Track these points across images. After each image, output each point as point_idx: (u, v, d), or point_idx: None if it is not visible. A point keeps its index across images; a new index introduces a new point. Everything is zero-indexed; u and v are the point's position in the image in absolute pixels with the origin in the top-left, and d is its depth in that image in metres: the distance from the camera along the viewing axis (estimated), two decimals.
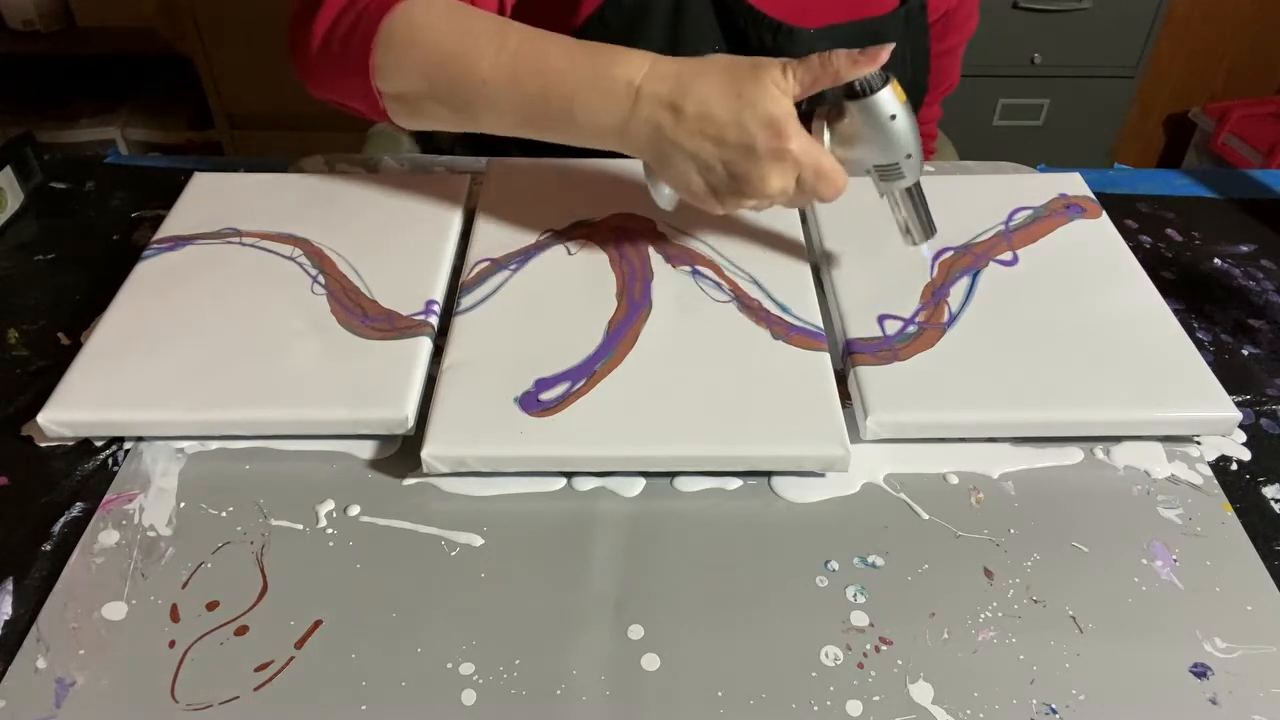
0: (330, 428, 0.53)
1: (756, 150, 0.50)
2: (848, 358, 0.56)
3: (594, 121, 0.53)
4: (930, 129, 0.94)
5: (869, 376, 0.54)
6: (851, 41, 0.50)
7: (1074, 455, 0.54)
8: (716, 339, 0.56)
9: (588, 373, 0.54)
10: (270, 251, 0.63)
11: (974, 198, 0.68)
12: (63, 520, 0.50)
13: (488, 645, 0.44)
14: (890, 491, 0.52)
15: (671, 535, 0.49)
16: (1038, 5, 1.60)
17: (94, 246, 0.69)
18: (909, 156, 0.54)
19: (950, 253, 0.63)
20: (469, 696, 0.42)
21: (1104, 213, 0.68)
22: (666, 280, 0.61)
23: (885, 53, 0.50)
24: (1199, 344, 0.60)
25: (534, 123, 0.56)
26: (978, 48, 0.93)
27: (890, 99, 0.52)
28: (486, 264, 0.62)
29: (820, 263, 0.64)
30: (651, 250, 0.63)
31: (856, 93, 0.52)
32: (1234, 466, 0.54)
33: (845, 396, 0.55)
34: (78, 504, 0.51)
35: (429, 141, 0.94)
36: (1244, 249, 0.71)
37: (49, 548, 0.48)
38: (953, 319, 0.58)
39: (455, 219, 0.66)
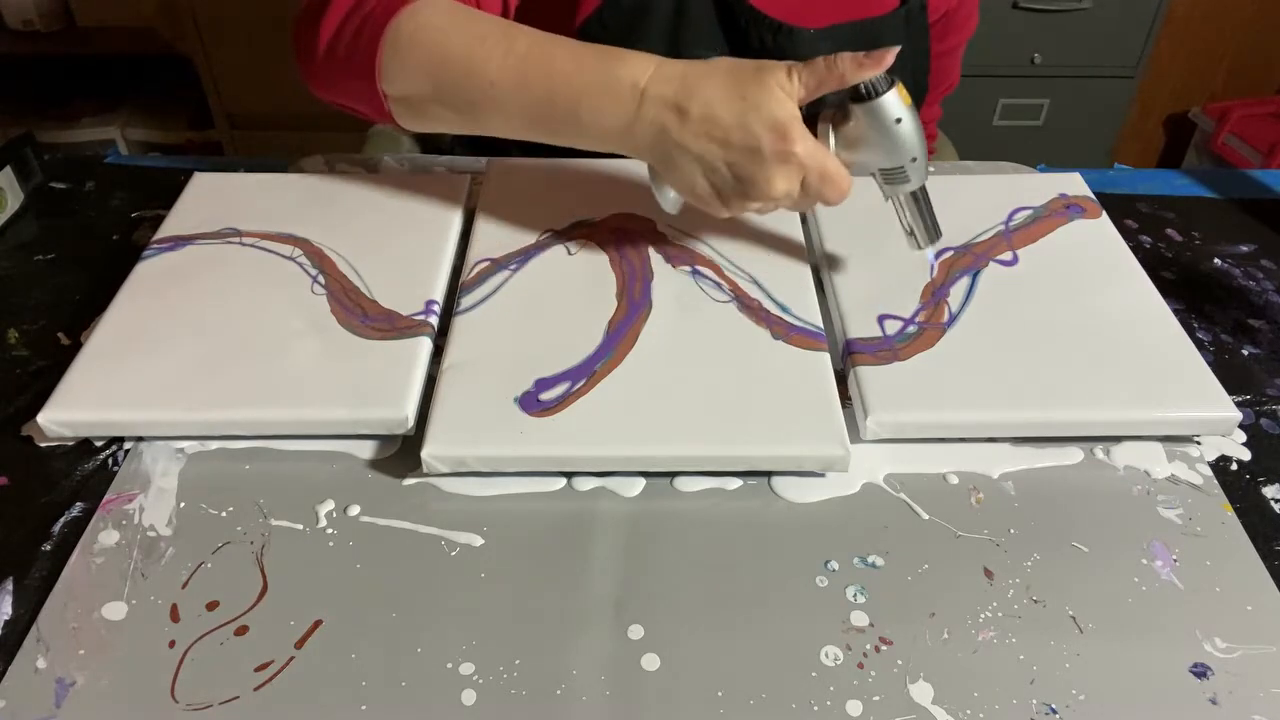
0: (330, 428, 0.53)
1: (761, 153, 0.50)
2: (848, 358, 0.56)
3: (599, 124, 0.53)
4: (930, 129, 0.94)
5: (869, 376, 0.54)
6: (852, 42, 0.50)
7: (1074, 455, 0.54)
8: (716, 339, 0.56)
9: (588, 373, 0.54)
10: (270, 251, 0.63)
11: (974, 198, 0.68)
12: (63, 520, 0.50)
13: (488, 645, 0.44)
14: (890, 491, 0.52)
15: (671, 535, 0.49)
16: (1038, 5, 1.60)
17: (94, 246, 0.69)
18: (914, 160, 0.54)
19: (950, 253, 0.63)
20: (469, 696, 0.42)
21: (1104, 213, 0.68)
22: (666, 280, 0.61)
23: (891, 55, 0.50)
24: (1199, 344, 0.60)
25: (540, 125, 0.56)
26: (978, 48, 0.93)
27: (896, 102, 0.52)
28: (486, 264, 0.62)
29: (820, 263, 0.64)
30: (651, 250, 0.63)
31: (862, 96, 0.52)
32: (1234, 466, 0.54)
33: (845, 396, 0.55)
34: (78, 504, 0.51)
35: (429, 141, 0.94)
36: (1244, 249, 0.71)
37: (49, 548, 0.48)
38: (953, 319, 0.58)
39: (455, 219, 0.66)
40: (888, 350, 0.56)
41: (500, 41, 0.54)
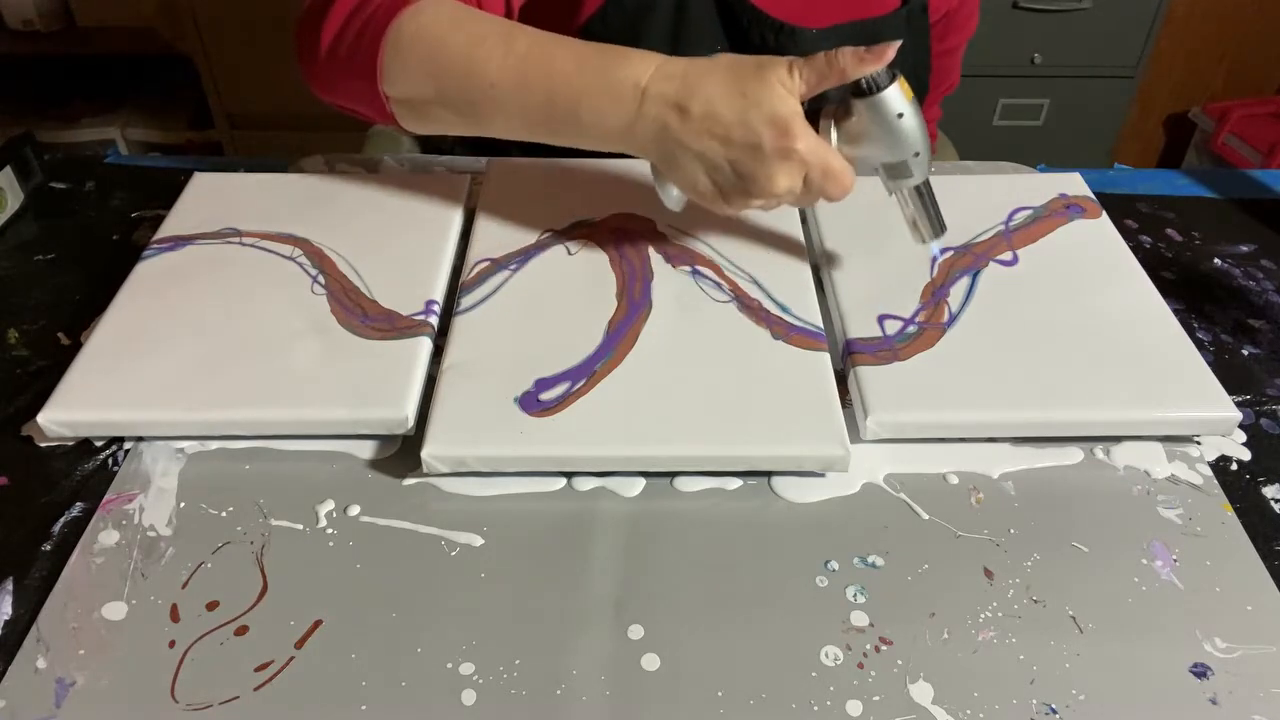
0: (330, 428, 0.53)
1: (763, 150, 0.50)
2: (848, 358, 0.56)
3: (600, 124, 0.53)
4: (931, 129, 0.94)
5: (869, 376, 0.54)
6: (853, 41, 0.50)
7: (1074, 455, 0.54)
8: (716, 339, 0.56)
9: (588, 373, 0.54)
10: (270, 251, 0.63)
11: (974, 198, 0.68)
12: (63, 520, 0.50)
13: (488, 645, 0.44)
14: (890, 491, 0.52)
15: (671, 535, 0.49)
16: (1038, 5, 1.60)
17: (94, 246, 0.69)
18: (917, 154, 0.54)
19: (950, 253, 0.63)
20: (469, 696, 0.42)
21: (1104, 213, 0.68)
22: (666, 280, 0.61)
23: (892, 50, 0.50)
24: (1199, 344, 0.60)
25: (541, 126, 0.55)
26: (978, 48, 0.93)
27: (897, 96, 0.52)
28: (486, 264, 0.62)
29: (820, 262, 0.64)
30: (651, 250, 0.63)
31: (863, 90, 0.52)
32: (1234, 466, 0.54)
33: (845, 396, 0.55)
34: (78, 504, 0.51)
35: (429, 141, 0.94)
36: (1244, 249, 0.71)
37: (49, 548, 0.48)
38: (953, 319, 0.58)
39: (455, 219, 0.66)
40: (888, 350, 0.56)
41: (500, 42, 0.54)
